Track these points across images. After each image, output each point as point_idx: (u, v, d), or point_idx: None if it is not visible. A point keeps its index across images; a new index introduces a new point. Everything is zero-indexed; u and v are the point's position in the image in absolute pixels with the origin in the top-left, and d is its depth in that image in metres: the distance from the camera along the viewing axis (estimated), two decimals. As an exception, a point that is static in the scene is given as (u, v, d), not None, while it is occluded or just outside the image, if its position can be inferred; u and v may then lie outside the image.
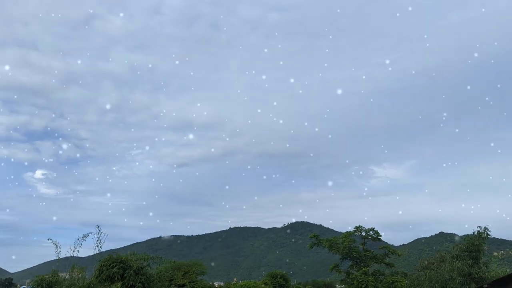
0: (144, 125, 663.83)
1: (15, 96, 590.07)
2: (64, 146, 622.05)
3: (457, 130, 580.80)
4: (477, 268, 33.36)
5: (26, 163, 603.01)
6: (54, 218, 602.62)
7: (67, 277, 26.02)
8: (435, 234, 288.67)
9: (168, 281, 43.00)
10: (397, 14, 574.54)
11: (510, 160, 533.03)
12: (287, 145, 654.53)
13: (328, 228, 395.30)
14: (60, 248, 25.30)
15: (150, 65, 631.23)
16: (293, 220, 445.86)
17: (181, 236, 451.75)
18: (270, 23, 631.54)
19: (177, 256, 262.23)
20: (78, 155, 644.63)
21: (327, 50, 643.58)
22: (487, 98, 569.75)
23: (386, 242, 58.38)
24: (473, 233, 34.74)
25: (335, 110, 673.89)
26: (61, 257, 25.57)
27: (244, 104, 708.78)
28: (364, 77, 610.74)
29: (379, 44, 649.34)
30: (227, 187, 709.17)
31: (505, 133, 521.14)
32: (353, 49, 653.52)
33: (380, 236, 51.31)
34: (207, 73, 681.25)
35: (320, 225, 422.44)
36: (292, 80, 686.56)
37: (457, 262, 33.78)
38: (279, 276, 71.39)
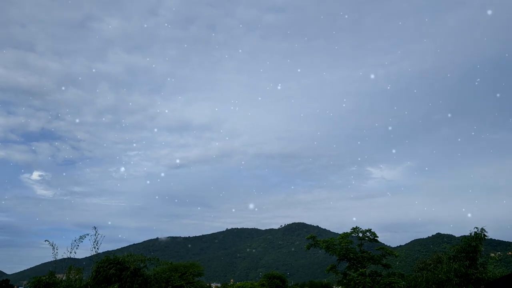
0: (141, 126, 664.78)
1: (12, 97, 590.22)
2: (61, 147, 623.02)
3: (454, 132, 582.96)
4: (474, 269, 33.33)
5: (23, 165, 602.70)
6: (51, 219, 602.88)
7: (64, 278, 25.91)
8: (432, 235, 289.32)
9: (165, 283, 42.96)
10: (396, 16, 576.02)
11: (506, 162, 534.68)
12: (284, 146, 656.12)
13: (325, 229, 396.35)
14: (57, 249, 25.12)
15: (147, 67, 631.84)
16: (290, 221, 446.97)
17: (178, 237, 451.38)
18: (267, 24, 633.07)
19: (174, 258, 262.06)
20: (75, 156, 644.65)
21: (324, 51, 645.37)
22: (484, 100, 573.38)
23: (383, 243, 58.58)
24: (470, 234, 34.70)
25: (332, 111, 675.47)
26: (58, 258, 25.41)
27: (241, 105, 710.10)
28: (362, 78, 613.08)
29: (377, 45, 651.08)
30: (224, 188, 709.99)
31: (502, 135, 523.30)
32: (350, 50, 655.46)
33: (377, 237, 51.39)
34: (204, 74, 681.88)
35: (317, 226, 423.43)
36: (289, 81, 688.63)
37: (454, 263, 33.74)
38: (276, 277, 71.37)
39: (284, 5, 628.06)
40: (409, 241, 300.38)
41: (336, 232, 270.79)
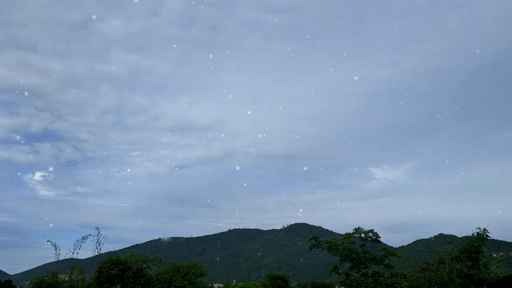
0: (143, 127, 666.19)
1: (14, 98, 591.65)
2: (63, 148, 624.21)
3: (456, 132, 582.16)
4: (476, 270, 33.31)
5: (25, 165, 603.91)
6: (54, 220, 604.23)
7: (66, 279, 25.97)
8: (435, 235, 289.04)
9: (168, 283, 42.94)
10: (397, 16, 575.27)
11: (509, 161, 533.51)
12: (287, 147, 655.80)
13: (327, 229, 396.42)
14: (59, 250, 25.18)
15: (149, 67, 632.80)
16: (293, 222, 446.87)
17: (180, 238, 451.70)
18: (269, 25, 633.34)
19: (176, 258, 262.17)
20: (77, 157, 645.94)
21: (326, 52, 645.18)
22: (485, 100, 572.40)
23: (386, 244, 58.53)
24: (473, 234, 34.68)
25: (334, 112, 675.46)
26: (60, 259, 25.47)
27: (243, 105, 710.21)
28: (363, 79, 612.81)
29: (378, 45, 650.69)
30: (226, 188, 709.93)
31: (503, 135, 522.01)
32: (352, 50, 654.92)
33: (379, 237, 51.29)
34: (206, 74, 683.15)
35: (320, 226, 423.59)
36: (291, 82, 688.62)
37: (457, 263, 33.72)
38: (278, 278, 71.21)
39: (285, 5, 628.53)
40: (411, 242, 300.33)
41: (339, 232, 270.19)
